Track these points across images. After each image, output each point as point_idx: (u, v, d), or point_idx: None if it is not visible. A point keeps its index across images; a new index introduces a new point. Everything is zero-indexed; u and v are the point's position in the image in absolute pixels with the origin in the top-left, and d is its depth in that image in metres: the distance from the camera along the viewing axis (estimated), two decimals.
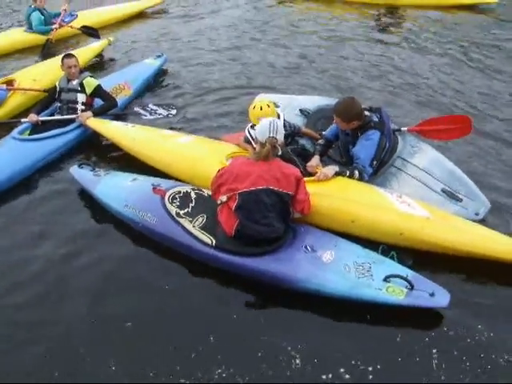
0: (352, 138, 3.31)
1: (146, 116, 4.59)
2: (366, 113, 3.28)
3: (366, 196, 3.09)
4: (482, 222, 3.12)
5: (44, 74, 5.35)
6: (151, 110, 4.70)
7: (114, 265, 3.07)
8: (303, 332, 2.57)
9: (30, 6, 6.90)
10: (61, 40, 7.02)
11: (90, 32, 6.90)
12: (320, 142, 3.59)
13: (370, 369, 2.36)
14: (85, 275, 3.00)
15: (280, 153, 2.98)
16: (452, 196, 3.24)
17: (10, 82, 5.04)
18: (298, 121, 3.98)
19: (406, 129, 3.75)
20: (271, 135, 2.82)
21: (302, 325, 2.63)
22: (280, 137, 2.89)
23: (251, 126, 3.50)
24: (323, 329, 2.60)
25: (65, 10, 7.01)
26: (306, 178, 3.04)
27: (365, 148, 3.22)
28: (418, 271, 2.70)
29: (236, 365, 2.40)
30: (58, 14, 7.01)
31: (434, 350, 2.44)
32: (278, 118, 3.50)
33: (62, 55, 4.61)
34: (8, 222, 3.54)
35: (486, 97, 5.24)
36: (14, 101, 4.89)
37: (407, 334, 2.54)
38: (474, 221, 3.06)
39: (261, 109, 3.43)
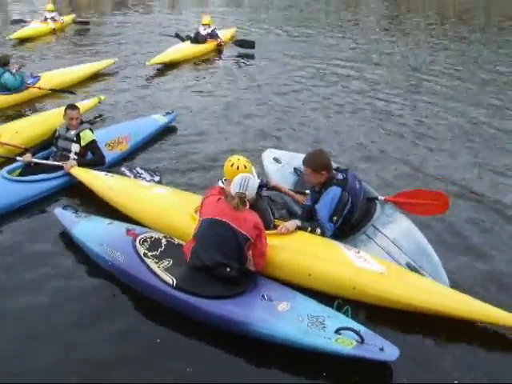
0: (319, 195, 3.62)
1: (129, 177, 4.82)
2: (333, 172, 3.63)
3: (323, 250, 3.36)
4: None
5: (26, 127, 5.82)
6: (136, 172, 4.97)
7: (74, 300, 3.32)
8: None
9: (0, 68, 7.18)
10: (34, 100, 7.50)
11: (62, 90, 7.47)
12: (300, 212, 3.88)
13: None
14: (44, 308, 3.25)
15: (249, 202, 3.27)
16: (415, 271, 3.34)
17: None
18: (291, 179, 4.42)
19: (383, 198, 3.96)
20: (241, 190, 3.19)
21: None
22: (250, 193, 3.23)
23: (225, 179, 3.75)
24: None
25: (19, 68, 7.48)
26: (267, 232, 3.32)
27: (324, 203, 3.52)
28: (372, 326, 2.88)
29: None
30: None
31: None
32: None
33: (66, 105, 5.10)
34: None
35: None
36: None
37: None
38: None
39: (238, 168, 3.57)
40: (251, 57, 10.75)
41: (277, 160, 4.74)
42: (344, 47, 11.78)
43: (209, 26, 11.03)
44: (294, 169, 4.53)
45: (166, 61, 9.68)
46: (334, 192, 3.52)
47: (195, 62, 10.32)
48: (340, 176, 3.61)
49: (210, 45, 10.95)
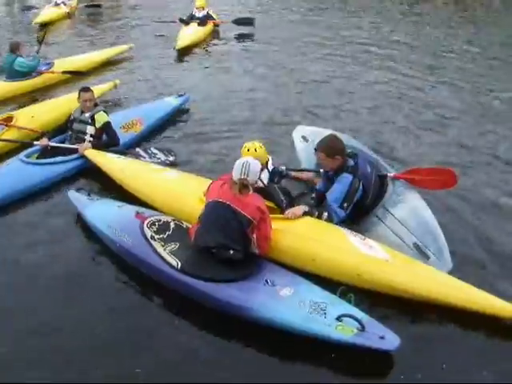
0: (331, 183, 3.63)
1: (144, 158, 4.91)
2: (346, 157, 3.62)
3: (328, 236, 3.36)
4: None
5: (43, 112, 5.91)
6: (151, 153, 5.05)
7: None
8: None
9: (10, 55, 7.17)
10: (49, 86, 7.50)
11: (74, 72, 7.58)
12: (313, 195, 3.91)
13: None
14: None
15: (256, 185, 3.35)
16: (421, 252, 3.36)
17: (8, 119, 5.53)
18: (314, 158, 4.28)
19: (392, 174, 3.97)
20: (242, 177, 3.19)
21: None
22: (251, 178, 3.23)
23: None
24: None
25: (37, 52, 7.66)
26: (273, 216, 3.34)
27: (336, 190, 3.54)
28: (375, 314, 2.85)
29: None
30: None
31: None
32: (267, 161, 3.90)
33: (80, 88, 5.17)
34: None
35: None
36: (10, 137, 5.32)
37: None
38: None
39: (248, 150, 3.75)
40: (251, 35, 10.66)
41: (304, 138, 4.74)
42: (355, 23, 11.69)
43: (203, 8, 11.11)
44: (315, 149, 4.46)
45: (186, 44, 9.76)
46: (345, 179, 3.52)
47: (201, 44, 10.27)
48: (351, 162, 3.60)
49: (210, 26, 10.98)
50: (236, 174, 3.19)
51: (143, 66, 8.84)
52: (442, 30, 11.31)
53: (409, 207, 3.68)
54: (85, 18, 13.47)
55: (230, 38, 10.67)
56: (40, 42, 7.79)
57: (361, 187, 3.56)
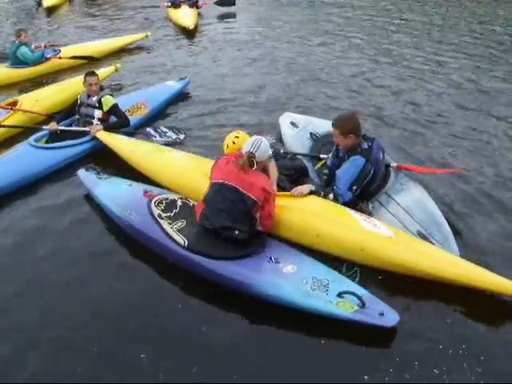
0: (341, 162, 3.65)
1: (155, 137, 5.09)
2: (361, 138, 3.63)
3: (332, 212, 3.41)
4: None
5: (47, 96, 5.98)
6: (162, 131, 5.24)
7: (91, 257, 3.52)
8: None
9: (14, 42, 7.24)
10: (53, 72, 7.52)
11: (84, 56, 7.58)
12: (325, 171, 3.94)
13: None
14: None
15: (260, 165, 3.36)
16: (425, 240, 3.34)
17: (13, 103, 5.63)
18: (308, 144, 4.48)
19: (395, 165, 3.98)
20: (250, 150, 3.27)
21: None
22: (259, 154, 3.29)
23: None
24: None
25: (45, 46, 7.68)
26: (280, 193, 3.42)
27: (346, 171, 3.54)
28: (378, 291, 2.91)
29: None
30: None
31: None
32: None
33: (85, 72, 5.22)
34: (11, 220, 4.08)
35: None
36: (16, 120, 5.40)
37: (353, 351, 2.75)
38: None
39: (227, 147, 3.72)
40: (233, 15, 11.23)
41: (294, 124, 4.82)
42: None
43: None
44: (310, 134, 4.59)
45: (195, 23, 10.03)
46: (357, 161, 3.52)
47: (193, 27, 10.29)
48: (365, 145, 3.59)
49: (195, 8, 11.10)
50: (246, 147, 3.28)
51: (138, 50, 8.88)
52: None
53: (412, 196, 3.70)
54: (82, 2, 13.66)
55: (214, 20, 10.94)
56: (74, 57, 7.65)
57: (372, 171, 3.57)
